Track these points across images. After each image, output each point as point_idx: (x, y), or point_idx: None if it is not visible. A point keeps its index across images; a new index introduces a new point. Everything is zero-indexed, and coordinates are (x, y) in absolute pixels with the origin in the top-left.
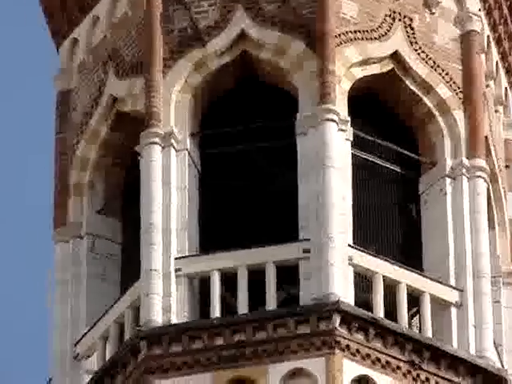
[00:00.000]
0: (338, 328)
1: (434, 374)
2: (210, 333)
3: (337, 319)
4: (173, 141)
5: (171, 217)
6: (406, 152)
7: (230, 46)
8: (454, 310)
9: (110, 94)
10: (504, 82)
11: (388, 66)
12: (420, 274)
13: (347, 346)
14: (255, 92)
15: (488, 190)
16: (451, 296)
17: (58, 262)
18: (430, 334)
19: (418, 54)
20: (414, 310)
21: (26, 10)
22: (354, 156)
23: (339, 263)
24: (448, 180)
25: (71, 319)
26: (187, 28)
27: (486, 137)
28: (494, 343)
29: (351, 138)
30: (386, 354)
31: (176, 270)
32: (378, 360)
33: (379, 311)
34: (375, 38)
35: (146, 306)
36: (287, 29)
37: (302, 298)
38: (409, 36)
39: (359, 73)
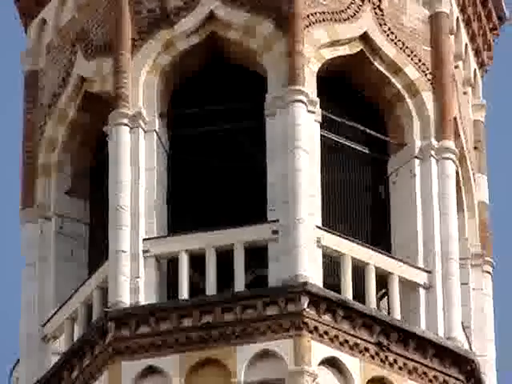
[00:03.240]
0: (307, 309)
1: (402, 356)
2: (178, 314)
3: (305, 301)
4: (141, 122)
5: (139, 198)
6: (374, 133)
7: (198, 27)
8: (422, 292)
9: (78, 75)
10: (473, 64)
11: (357, 48)
12: (389, 256)
13: (315, 327)
14: (224, 73)
15: (457, 171)
16: (420, 278)
17: (26, 243)
18: (398, 315)
19: (387, 35)
20: (383, 291)
21: None
22: (322, 137)
23: (308, 245)
24: (417, 161)
25: (39, 300)
26: (156, 9)
27: (455, 118)
28: (462, 325)
29: (320, 120)
30: (354, 336)
31: (144, 251)
32: (346, 342)
33: (348, 293)
34: (344, 20)
35: (114, 287)
36: (256, 10)
37: (270, 280)
38: (378, 17)
39: (328, 54)
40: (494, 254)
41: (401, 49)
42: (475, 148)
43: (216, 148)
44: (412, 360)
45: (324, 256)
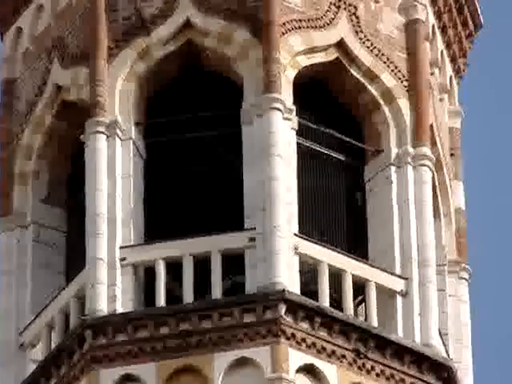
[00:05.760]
0: (284, 317)
1: (380, 363)
2: (156, 322)
3: (282, 308)
4: (117, 130)
5: (116, 206)
6: (351, 140)
7: (174, 35)
8: (399, 299)
9: (55, 83)
10: (449, 70)
11: (333, 55)
12: (365, 263)
13: (293, 334)
14: (200, 80)
15: (433, 178)
16: (396, 285)
17: (3, 252)
18: (375, 322)
19: (363, 42)
20: (360, 298)
21: None
22: (299, 145)
23: (285, 252)
24: (393, 168)
25: (16, 309)
26: (132, 16)
27: (431, 125)
28: (440, 332)
29: (296, 127)
30: (331, 343)
31: (121, 259)
32: (324, 349)
33: (325, 300)
34: (320, 27)
35: (91, 295)
36: (232, 17)
37: (247, 287)
38: (354, 24)
39: (304, 61)
40: (470, 260)
41: (377, 56)
42: (451, 155)
43: (193, 156)
44: (389, 367)
45: (301, 263)
